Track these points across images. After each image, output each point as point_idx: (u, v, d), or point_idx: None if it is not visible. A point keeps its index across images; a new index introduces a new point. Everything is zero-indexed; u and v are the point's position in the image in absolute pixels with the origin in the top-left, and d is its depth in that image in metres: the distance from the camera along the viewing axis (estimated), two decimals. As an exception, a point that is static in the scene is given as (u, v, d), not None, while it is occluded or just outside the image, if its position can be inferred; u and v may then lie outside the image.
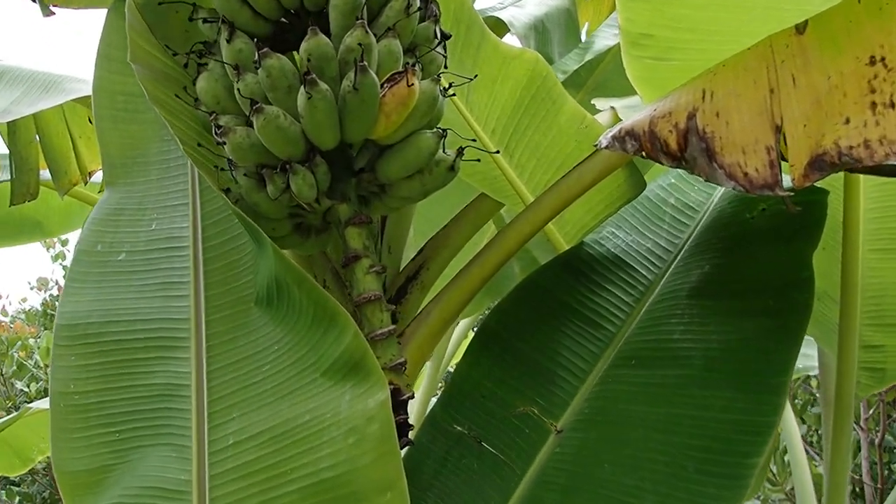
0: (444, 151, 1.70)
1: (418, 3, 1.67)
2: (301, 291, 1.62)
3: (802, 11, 1.76)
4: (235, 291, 1.87)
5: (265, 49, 1.53)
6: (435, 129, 1.66)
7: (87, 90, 2.63)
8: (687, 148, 1.52)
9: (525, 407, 1.94)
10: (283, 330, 1.74)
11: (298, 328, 1.71)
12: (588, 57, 2.71)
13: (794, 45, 1.51)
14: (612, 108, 2.54)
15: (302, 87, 1.50)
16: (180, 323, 1.87)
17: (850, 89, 1.36)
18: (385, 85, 1.56)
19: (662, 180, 2.25)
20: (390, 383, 1.61)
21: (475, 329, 2.91)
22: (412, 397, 1.64)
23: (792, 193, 1.33)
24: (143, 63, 1.78)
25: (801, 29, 1.54)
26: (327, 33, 1.71)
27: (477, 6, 3.36)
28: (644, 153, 1.57)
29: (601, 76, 3.05)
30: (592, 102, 2.63)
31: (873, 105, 1.31)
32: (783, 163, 1.40)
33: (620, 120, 2.50)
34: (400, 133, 1.64)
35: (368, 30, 1.56)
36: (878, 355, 2.10)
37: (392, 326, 1.64)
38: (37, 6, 2.43)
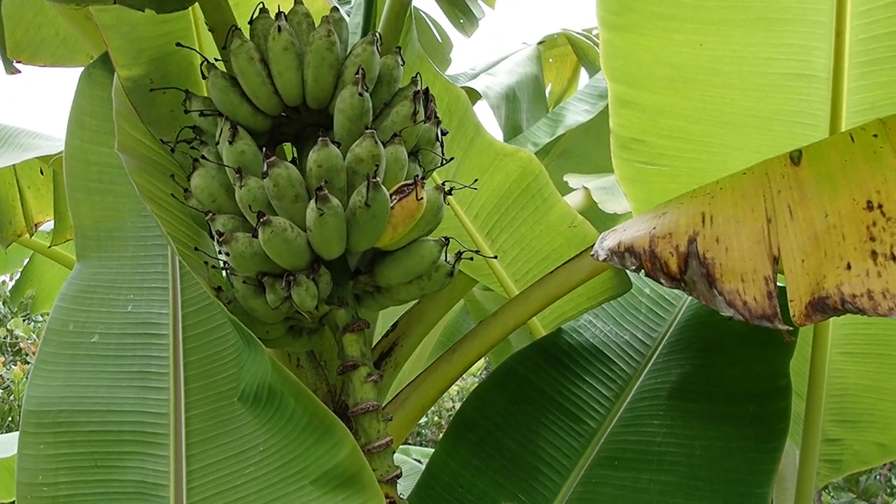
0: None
1: (423, 110, 1.66)
2: (297, 402, 1.58)
3: (792, 134, 1.84)
4: (217, 385, 1.81)
5: (273, 157, 1.49)
6: (438, 239, 1.64)
7: (46, 147, 2.51)
8: (687, 271, 1.55)
9: (507, 502, 1.94)
10: (268, 432, 1.69)
11: (287, 432, 1.66)
12: (559, 131, 2.75)
13: (791, 177, 1.55)
14: (586, 188, 2.59)
15: (312, 201, 1.46)
16: (158, 417, 1.79)
17: (849, 233, 1.40)
18: (393, 197, 1.54)
19: (637, 268, 2.28)
20: (386, 496, 1.58)
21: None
22: (407, 510, 1.61)
23: (791, 328, 1.36)
24: (131, 151, 1.71)
25: (796, 160, 1.59)
26: (329, 130, 1.68)
27: (449, 71, 3.38)
28: (644, 271, 1.59)
29: (568, 143, 3.11)
30: (565, 180, 2.67)
31: (874, 254, 1.35)
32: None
33: (594, 202, 2.54)
34: (403, 241, 1.62)
35: (378, 140, 1.54)
36: (836, 448, 2.20)
37: (389, 438, 1.61)
38: (-1, 62, 2.30)
